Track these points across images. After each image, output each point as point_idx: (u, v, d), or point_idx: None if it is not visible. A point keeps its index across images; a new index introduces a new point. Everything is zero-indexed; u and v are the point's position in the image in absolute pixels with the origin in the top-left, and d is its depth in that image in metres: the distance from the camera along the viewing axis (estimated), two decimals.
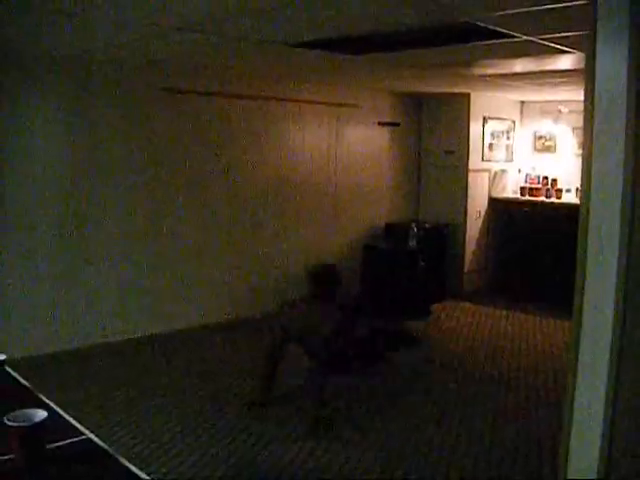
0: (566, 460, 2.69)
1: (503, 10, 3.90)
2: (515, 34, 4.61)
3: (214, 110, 7.58)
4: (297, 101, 8.31)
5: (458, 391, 5.98)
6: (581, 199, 2.72)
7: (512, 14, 3.95)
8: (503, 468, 4.53)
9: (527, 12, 3.86)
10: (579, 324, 2.64)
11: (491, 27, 4.40)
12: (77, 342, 6.72)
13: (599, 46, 2.59)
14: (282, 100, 8.16)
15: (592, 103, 2.62)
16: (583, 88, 2.75)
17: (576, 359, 2.67)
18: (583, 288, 2.64)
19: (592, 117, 2.63)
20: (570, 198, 8.94)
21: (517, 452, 4.78)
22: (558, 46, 5.01)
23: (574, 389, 2.68)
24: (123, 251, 7.04)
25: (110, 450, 2.36)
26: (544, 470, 4.47)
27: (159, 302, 7.33)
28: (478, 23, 4.30)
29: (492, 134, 9.62)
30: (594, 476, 2.57)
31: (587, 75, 2.67)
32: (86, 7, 4.05)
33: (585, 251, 2.64)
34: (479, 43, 5.07)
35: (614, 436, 2.53)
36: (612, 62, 2.57)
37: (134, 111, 6.98)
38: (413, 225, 8.78)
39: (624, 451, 2.55)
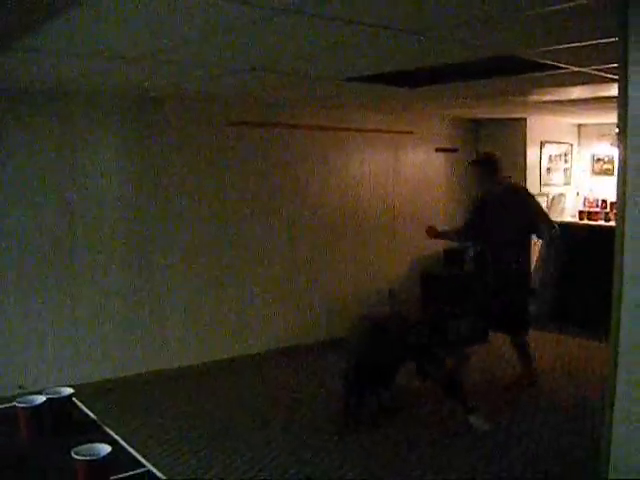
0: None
1: (545, 47, 3.98)
2: (563, 66, 4.67)
3: (276, 141, 7.79)
4: (356, 130, 8.45)
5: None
6: (616, 223, 2.80)
7: (557, 49, 4.02)
8: None
9: (569, 47, 3.93)
10: (617, 340, 2.70)
11: (539, 60, 4.47)
12: (141, 368, 6.93)
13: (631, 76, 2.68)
14: (341, 130, 8.31)
15: (625, 135, 2.70)
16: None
17: (615, 364, 2.72)
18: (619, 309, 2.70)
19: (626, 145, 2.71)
20: None
21: None
22: (608, 75, 5.04)
23: (614, 393, 2.73)
24: (189, 280, 7.24)
25: None
26: None
27: (221, 329, 7.51)
28: (525, 57, 4.37)
29: (549, 158, 9.61)
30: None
31: (620, 102, 2.75)
32: (155, 51, 4.25)
33: (621, 270, 2.70)
34: (530, 75, 5.13)
35: None
36: None
37: (200, 145, 7.22)
38: (470, 250, 8.78)
39: None
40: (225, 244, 7.48)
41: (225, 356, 7.49)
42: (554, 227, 6.62)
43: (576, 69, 4.79)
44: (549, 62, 4.54)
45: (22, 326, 6.26)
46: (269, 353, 7.78)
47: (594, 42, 3.77)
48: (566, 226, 9.50)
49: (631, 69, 2.77)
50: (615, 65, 4.59)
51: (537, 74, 5.08)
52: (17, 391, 2.94)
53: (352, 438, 5.42)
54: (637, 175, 2.74)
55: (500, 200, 6.55)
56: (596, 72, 4.93)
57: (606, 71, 4.86)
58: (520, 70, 4.98)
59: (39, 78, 5.38)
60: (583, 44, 3.83)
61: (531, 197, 6.77)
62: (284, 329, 7.98)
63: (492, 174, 6.56)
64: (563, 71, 4.88)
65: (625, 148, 2.79)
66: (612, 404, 2.81)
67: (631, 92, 2.75)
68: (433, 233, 7.09)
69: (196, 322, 7.33)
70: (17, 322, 6.23)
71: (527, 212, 6.54)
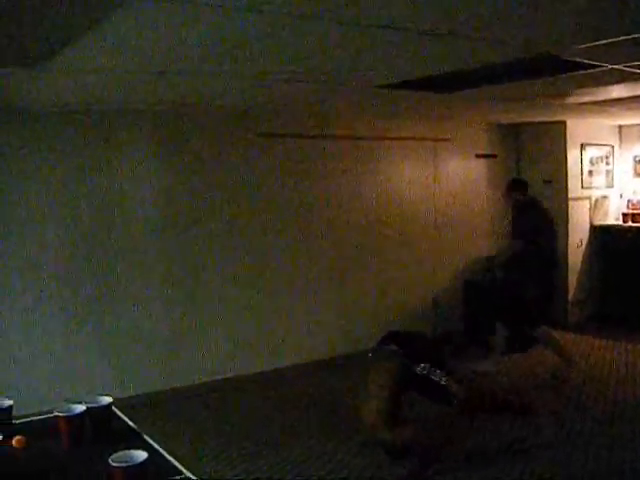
0: None
1: (582, 44, 3.92)
2: (601, 64, 4.60)
3: (310, 152, 7.81)
4: (394, 139, 8.45)
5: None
6: None
7: (595, 46, 3.96)
8: None
9: (606, 44, 3.87)
10: None
11: (576, 59, 4.41)
12: (181, 382, 6.96)
13: None
14: (377, 139, 8.32)
15: None
16: None
17: None
18: None
19: None
20: None
21: None
22: None
23: None
24: (226, 293, 7.27)
25: None
26: None
27: (264, 342, 7.53)
28: (562, 56, 4.32)
29: (591, 160, 9.48)
30: None
31: None
32: (185, 66, 4.28)
33: None
34: (567, 75, 5.06)
35: None
36: None
37: (231, 156, 7.26)
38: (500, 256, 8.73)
39: None
40: (261, 255, 7.49)
41: (265, 368, 7.49)
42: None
43: (614, 66, 4.72)
44: (586, 61, 4.47)
45: (63, 340, 6.34)
46: (310, 365, 7.76)
47: (632, 37, 3.70)
48: (610, 229, 9.42)
49: None
50: None
51: (574, 74, 5.01)
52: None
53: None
54: None
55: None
56: (635, 69, 4.85)
57: None
58: (557, 70, 4.92)
59: (73, 96, 5.47)
60: (621, 39, 3.76)
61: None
62: (325, 340, 7.97)
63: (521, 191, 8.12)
64: (600, 69, 4.81)
65: None
66: None
67: None
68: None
69: (237, 334, 7.35)
70: (57, 335, 6.31)
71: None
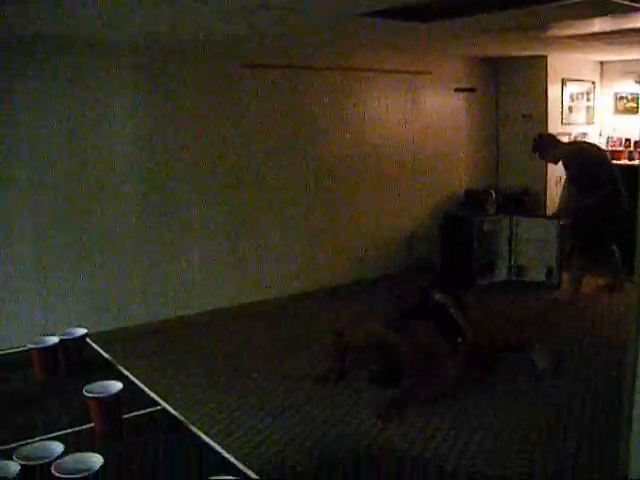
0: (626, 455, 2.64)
1: None
2: None
3: (291, 82, 7.68)
4: (373, 70, 8.32)
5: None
6: None
7: None
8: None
9: None
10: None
11: None
12: (160, 315, 6.95)
13: None
14: (358, 70, 8.18)
15: None
16: None
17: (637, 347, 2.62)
18: None
19: None
20: None
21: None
22: (633, 4, 4.87)
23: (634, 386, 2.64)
24: (204, 224, 7.22)
25: (184, 421, 2.46)
26: None
27: (241, 273, 7.51)
28: None
29: (571, 96, 9.43)
30: None
31: None
32: None
33: None
34: (549, 5, 4.97)
35: None
36: None
37: (216, 88, 7.14)
38: (492, 192, 8.71)
39: None
40: (242, 187, 7.42)
41: (245, 301, 7.48)
42: None
43: None
44: None
45: (36, 272, 6.27)
46: (289, 298, 7.77)
47: None
48: None
49: None
50: None
51: (558, 3, 4.91)
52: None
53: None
54: None
55: None
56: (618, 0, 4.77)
57: None
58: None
59: (52, 24, 5.30)
60: None
61: None
62: (303, 274, 7.96)
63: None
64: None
65: None
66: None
67: None
68: None
69: (215, 268, 7.33)
70: (32, 269, 6.24)
71: None
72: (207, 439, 2.35)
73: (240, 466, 2.13)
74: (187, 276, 7.14)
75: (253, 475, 2.10)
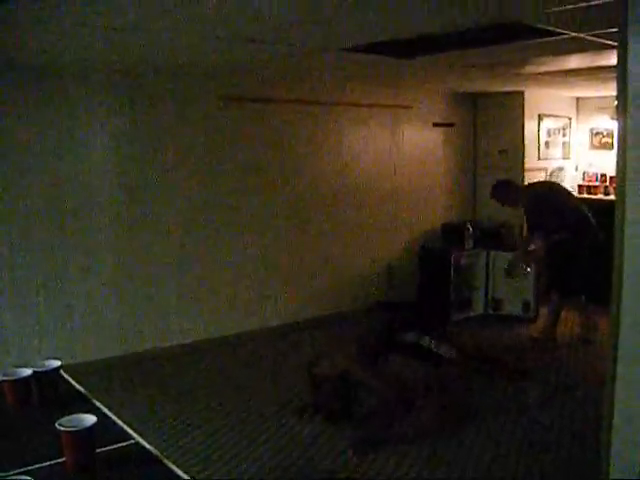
0: (608, 459, 2.64)
1: (545, 9, 3.89)
2: (562, 31, 4.57)
3: (271, 115, 7.69)
4: (353, 105, 8.36)
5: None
6: (616, 195, 2.69)
7: (556, 12, 3.93)
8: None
9: (570, 9, 3.83)
10: (618, 319, 2.60)
11: (538, 26, 4.38)
12: (136, 347, 6.88)
13: (631, 43, 2.56)
14: (337, 104, 8.23)
15: (625, 101, 2.58)
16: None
17: (616, 353, 2.62)
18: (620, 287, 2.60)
19: (626, 114, 2.58)
20: None
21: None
22: (608, 42, 4.94)
23: (614, 385, 2.64)
24: (180, 256, 7.17)
25: (159, 455, 2.42)
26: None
27: (216, 306, 7.46)
28: (524, 22, 4.28)
29: (548, 132, 9.52)
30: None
31: (619, 73, 2.64)
32: (139, 22, 4.15)
33: (622, 249, 2.60)
34: (527, 42, 5.03)
35: None
36: None
37: (195, 119, 7.13)
38: (469, 225, 8.73)
39: None
40: (219, 221, 7.39)
41: (222, 334, 7.43)
42: None
43: (574, 34, 4.69)
44: (550, 28, 4.44)
45: (16, 302, 6.20)
46: (266, 330, 7.72)
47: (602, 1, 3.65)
48: None
49: (631, 29, 2.66)
50: (614, 30, 4.53)
51: (534, 41, 4.98)
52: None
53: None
54: (637, 149, 2.63)
55: None
56: (595, 38, 4.83)
57: (605, 37, 4.76)
58: (517, 37, 4.88)
59: (28, 51, 5.29)
60: (585, 4, 3.72)
61: None
62: (280, 305, 7.92)
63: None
64: (561, 37, 4.77)
65: (625, 119, 2.67)
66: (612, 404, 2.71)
67: (631, 65, 2.62)
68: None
69: (193, 298, 7.28)
70: (11, 299, 6.17)
71: None
72: (182, 473, 2.31)
73: None
74: (161, 309, 7.08)
75: None
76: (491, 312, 8.56)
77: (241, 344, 7.38)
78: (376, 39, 4.96)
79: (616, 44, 4.98)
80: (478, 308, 8.64)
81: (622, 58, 2.63)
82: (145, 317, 6.97)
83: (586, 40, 4.90)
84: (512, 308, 8.45)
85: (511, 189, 7.72)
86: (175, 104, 6.97)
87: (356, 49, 5.33)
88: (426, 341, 5.38)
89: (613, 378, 2.63)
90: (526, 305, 8.33)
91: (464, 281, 8.58)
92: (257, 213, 7.67)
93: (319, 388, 5.38)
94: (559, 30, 4.53)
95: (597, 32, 4.61)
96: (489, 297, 8.60)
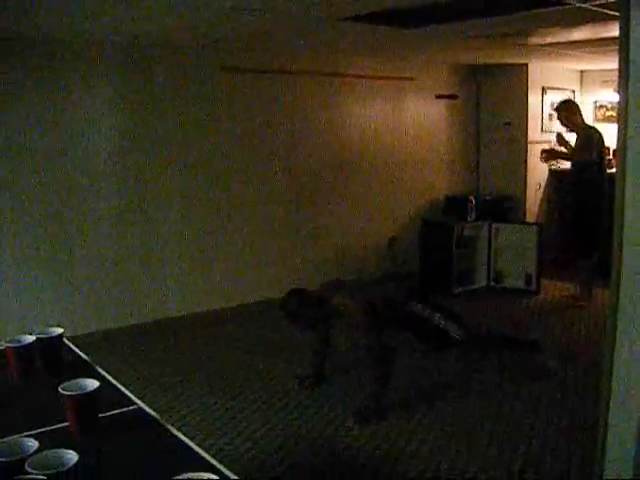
0: (602, 458, 2.64)
1: None
2: (566, 2, 4.54)
3: (273, 87, 7.65)
4: (354, 76, 8.31)
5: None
6: (617, 170, 2.67)
7: None
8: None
9: None
10: (615, 319, 2.58)
11: None
12: (136, 319, 6.93)
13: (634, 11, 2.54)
14: (340, 75, 8.18)
15: (627, 72, 2.56)
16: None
17: (612, 353, 2.61)
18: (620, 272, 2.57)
19: (627, 86, 2.57)
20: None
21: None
22: (612, 12, 4.90)
23: (610, 386, 2.63)
24: (184, 229, 7.19)
25: (161, 419, 2.45)
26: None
27: (218, 278, 7.48)
28: None
29: (551, 104, 9.47)
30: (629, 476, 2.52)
31: (620, 42, 2.62)
32: None
33: (622, 225, 2.58)
34: (531, 12, 5.01)
35: None
36: None
37: (193, 91, 7.09)
38: (472, 198, 8.72)
39: None
40: (220, 193, 7.40)
41: (223, 305, 7.48)
42: None
43: (579, 4, 4.65)
44: None
45: (18, 276, 6.22)
46: (270, 302, 7.70)
47: None
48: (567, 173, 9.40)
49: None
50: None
51: (538, 10, 4.95)
52: None
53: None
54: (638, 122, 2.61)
55: None
56: (599, 9, 4.80)
57: (609, 7, 4.73)
58: (521, 7, 4.86)
59: (28, 24, 5.26)
60: None
61: None
62: (282, 278, 7.87)
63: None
64: (565, 7, 4.74)
65: (626, 91, 2.65)
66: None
67: (633, 32, 2.60)
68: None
69: (193, 271, 7.30)
70: (13, 272, 6.20)
71: None
72: (184, 438, 2.33)
73: (218, 465, 2.11)
74: (162, 281, 7.11)
75: (232, 475, 2.08)
76: (493, 284, 8.58)
77: (240, 315, 7.42)
78: (377, 8, 4.93)
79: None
80: (480, 280, 8.66)
81: (624, 27, 2.61)
82: (145, 289, 7.01)
83: (590, 10, 4.87)
84: (514, 280, 8.47)
85: (577, 111, 7.85)
86: (175, 74, 6.95)
87: (356, 19, 5.30)
88: (436, 319, 5.34)
89: (610, 374, 2.63)
90: (528, 278, 8.35)
91: (466, 253, 8.59)
92: (258, 186, 7.67)
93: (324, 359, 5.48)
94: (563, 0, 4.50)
95: (601, 2, 4.58)
96: (491, 269, 8.62)
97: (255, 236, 7.72)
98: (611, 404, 2.69)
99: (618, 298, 2.58)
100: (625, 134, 2.66)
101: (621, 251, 2.57)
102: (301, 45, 7.25)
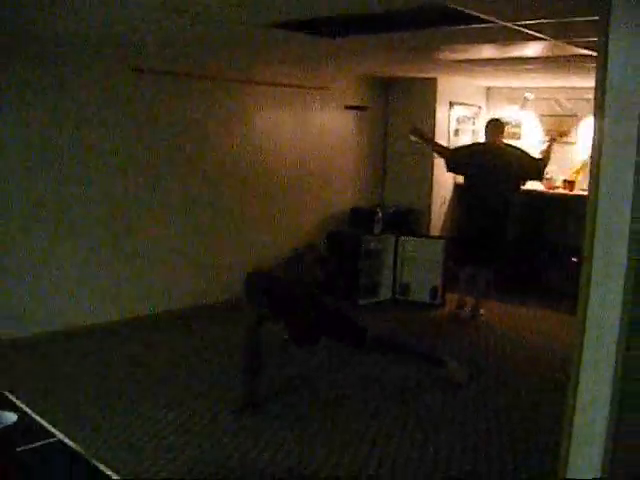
0: (567, 459, 2.62)
1: None
2: (488, 18, 4.54)
3: (181, 90, 7.45)
4: (263, 84, 8.18)
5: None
6: (589, 192, 2.65)
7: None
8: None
9: None
10: (584, 319, 2.57)
11: (470, 12, 4.33)
12: (56, 325, 6.66)
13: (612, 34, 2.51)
14: (247, 82, 8.04)
15: (603, 95, 2.54)
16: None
17: (580, 356, 2.59)
18: (588, 285, 2.55)
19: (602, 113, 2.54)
20: (534, 185, 8.80)
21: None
22: (536, 33, 4.95)
23: (577, 386, 2.61)
24: (87, 234, 6.90)
25: (83, 453, 2.27)
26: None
27: (124, 287, 7.24)
28: (456, 7, 4.22)
29: (458, 119, 9.60)
30: (597, 475, 2.51)
31: (599, 62, 2.58)
32: None
33: (592, 246, 2.56)
34: (454, 28, 5.01)
35: (618, 434, 2.47)
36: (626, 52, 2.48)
37: (102, 90, 6.82)
38: (378, 210, 8.73)
39: (629, 450, 2.50)
40: (124, 198, 7.13)
41: (130, 315, 7.23)
42: None
43: (503, 23, 4.66)
44: (476, 14, 4.40)
45: None
46: (172, 313, 7.54)
47: None
48: None
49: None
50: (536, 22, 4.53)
51: (454, 28, 5.01)
52: None
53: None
54: (612, 145, 2.58)
55: None
56: (522, 29, 4.82)
57: (533, 28, 4.77)
58: (443, 22, 4.85)
59: None
60: None
61: None
62: (184, 288, 7.74)
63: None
64: (485, 25, 4.75)
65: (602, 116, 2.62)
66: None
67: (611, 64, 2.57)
68: (418, 133, 8.07)
69: (107, 277, 7.09)
70: None
71: None
72: (107, 469, 2.16)
73: None
74: (67, 287, 6.81)
75: None
76: (399, 297, 8.59)
77: (134, 328, 7.15)
78: (291, 17, 4.84)
79: (540, 36, 5.05)
80: (386, 293, 8.66)
81: (603, 53, 2.58)
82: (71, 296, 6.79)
83: (503, 28, 4.88)
84: (420, 294, 8.51)
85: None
86: (86, 77, 6.68)
87: (277, 26, 5.19)
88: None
89: (576, 382, 2.61)
90: (434, 291, 8.40)
91: (372, 266, 8.58)
92: (158, 193, 7.42)
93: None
94: (486, 17, 4.50)
95: (525, 23, 4.61)
96: (397, 282, 8.63)
97: (157, 246, 7.48)
98: (576, 410, 2.67)
99: (587, 305, 2.56)
100: (599, 149, 2.63)
101: (591, 259, 2.55)
102: (214, 49, 7.04)
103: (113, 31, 5.70)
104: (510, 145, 7.97)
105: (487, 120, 8.20)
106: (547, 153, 7.69)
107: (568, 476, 2.60)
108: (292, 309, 5.40)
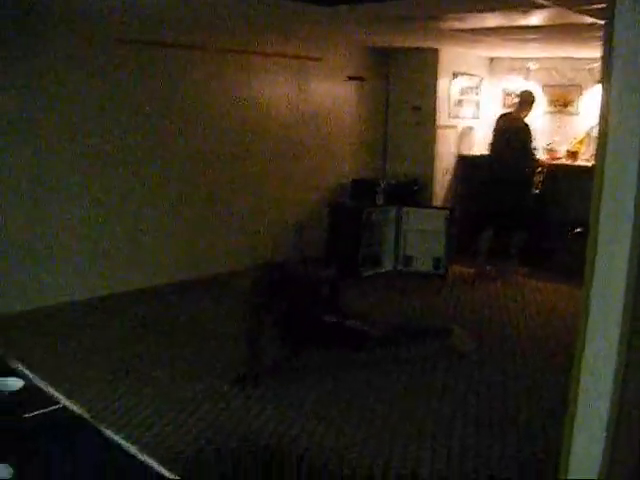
0: (567, 459, 2.61)
1: None
2: None
3: (171, 62, 7.31)
4: (259, 54, 8.09)
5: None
6: (596, 162, 2.62)
7: None
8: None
9: None
10: (586, 317, 2.55)
11: None
12: (55, 299, 6.61)
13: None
14: (243, 53, 7.93)
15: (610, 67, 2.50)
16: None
17: (582, 349, 2.58)
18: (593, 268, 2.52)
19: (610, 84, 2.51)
20: (538, 155, 8.76)
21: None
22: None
23: (578, 385, 2.60)
24: (81, 207, 6.84)
25: (87, 417, 2.29)
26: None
27: (117, 259, 7.17)
28: None
29: (460, 90, 9.55)
30: (595, 476, 2.51)
31: (607, 31, 2.55)
32: None
33: (597, 221, 2.52)
34: None
35: (618, 435, 2.46)
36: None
37: (88, 62, 6.65)
38: (380, 181, 8.71)
39: (628, 451, 2.50)
40: (115, 172, 7.01)
41: (119, 289, 7.14)
42: None
43: None
44: None
45: None
46: (170, 286, 7.48)
47: None
48: (475, 159, 9.52)
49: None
50: None
51: None
52: None
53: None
54: (620, 116, 2.55)
55: None
56: None
57: None
58: None
59: None
60: None
61: None
62: (183, 262, 7.72)
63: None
64: None
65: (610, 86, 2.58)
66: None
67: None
68: None
69: (93, 252, 6.98)
70: None
71: None
72: (110, 433, 2.18)
73: (152, 463, 1.97)
74: (71, 262, 6.79)
75: (167, 473, 1.95)
76: (402, 268, 8.59)
77: (147, 300, 7.12)
78: None
79: (544, 3, 5.02)
80: (388, 264, 8.65)
81: (610, 18, 2.54)
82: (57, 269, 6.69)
83: None
84: (423, 265, 8.50)
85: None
86: (69, 47, 6.51)
87: None
88: (348, 322, 5.37)
89: (577, 379, 2.60)
90: (437, 261, 8.40)
91: (374, 237, 8.57)
92: (154, 166, 7.34)
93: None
94: None
95: None
96: (399, 253, 8.62)
97: (155, 220, 7.42)
98: (579, 404, 2.66)
99: (589, 295, 2.55)
100: (606, 129, 2.60)
101: (595, 250, 2.54)
102: (205, 19, 6.94)
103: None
104: (527, 127, 8.17)
105: (521, 91, 8.56)
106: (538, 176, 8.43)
107: (568, 476, 2.60)
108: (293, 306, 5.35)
